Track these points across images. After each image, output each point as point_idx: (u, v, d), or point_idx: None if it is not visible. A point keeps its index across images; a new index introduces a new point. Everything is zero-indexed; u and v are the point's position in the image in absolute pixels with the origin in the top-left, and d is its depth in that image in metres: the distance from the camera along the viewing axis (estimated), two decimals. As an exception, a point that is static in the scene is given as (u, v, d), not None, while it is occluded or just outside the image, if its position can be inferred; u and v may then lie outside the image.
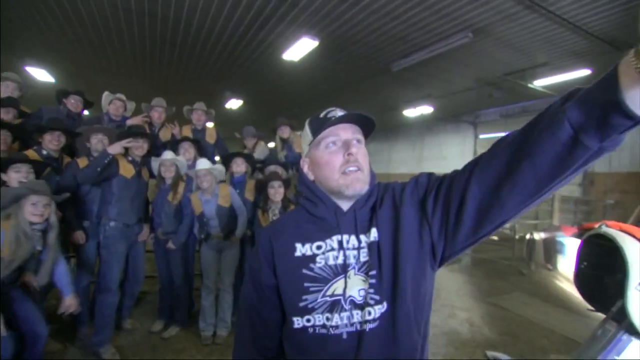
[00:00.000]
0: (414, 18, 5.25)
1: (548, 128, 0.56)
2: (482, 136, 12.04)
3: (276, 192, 2.86)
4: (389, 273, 0.79)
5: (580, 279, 2.11)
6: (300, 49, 6.44)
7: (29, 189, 2.09)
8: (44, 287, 2.35)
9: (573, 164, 0.56)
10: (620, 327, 1.83)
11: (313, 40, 6.10)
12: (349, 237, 0.83)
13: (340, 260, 0.82)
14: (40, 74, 8.46)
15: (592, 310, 2.09)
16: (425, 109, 10.23)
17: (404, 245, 0.79)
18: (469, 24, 5.33)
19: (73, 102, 3.38)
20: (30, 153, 2.66)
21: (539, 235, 6.45)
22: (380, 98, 10.10)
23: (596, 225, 2.07)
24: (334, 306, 0.79)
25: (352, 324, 0.79)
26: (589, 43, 5.83)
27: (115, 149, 2.74)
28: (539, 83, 7.54)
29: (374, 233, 0.83)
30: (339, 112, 0.85)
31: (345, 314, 0.79)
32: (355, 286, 0.80)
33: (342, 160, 0.83)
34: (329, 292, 0.80)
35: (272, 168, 3.34)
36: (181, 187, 3.08)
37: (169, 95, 9.50)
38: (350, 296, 0.79)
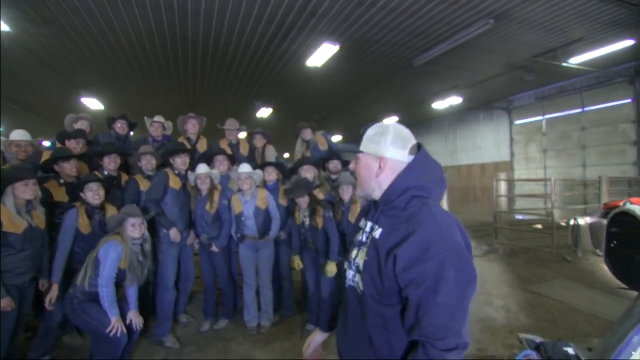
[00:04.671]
0: (430, 12, 5.30)
1: None
2: (517, 122, 11.44)
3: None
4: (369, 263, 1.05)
5: (611, 258, 2.12)
6: (322, 54, 6.66)
7: (127, 214, 2.60)
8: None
9: None
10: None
11: (334, 45, 6.30)
12: (372, 225, 1.08)
13: (359, 237, 1.12)
14: (93, 103, 9.42)
15: (623, 288, 2.09)
16: (454, 100, 10.05)
17: (371, 265, 1.02)
18: (489, 11, 5.27)
19: (119, 126, 3.80)
20: (96, 174, 3.11)
21: (584, 220, 6.13)
22: (407, 93, 10.09)
23: (621, 203, 2.07)
24: (349, 264, 1.13)
25: (353, 281, 1.09)
26: (630, 11, 5.37)
27: None
28: (576, 60, 7.16)
29: (378, 231, 1.04)
30: None
31: (350, 272, 1.11)
32: (360, 259, 1.07)
33: None
34: (351, 255, 1.12)
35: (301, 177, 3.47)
36: (216, 196, 3.39)
37: (203, 109, 10.11)
38: (356, 262, 1.08)
